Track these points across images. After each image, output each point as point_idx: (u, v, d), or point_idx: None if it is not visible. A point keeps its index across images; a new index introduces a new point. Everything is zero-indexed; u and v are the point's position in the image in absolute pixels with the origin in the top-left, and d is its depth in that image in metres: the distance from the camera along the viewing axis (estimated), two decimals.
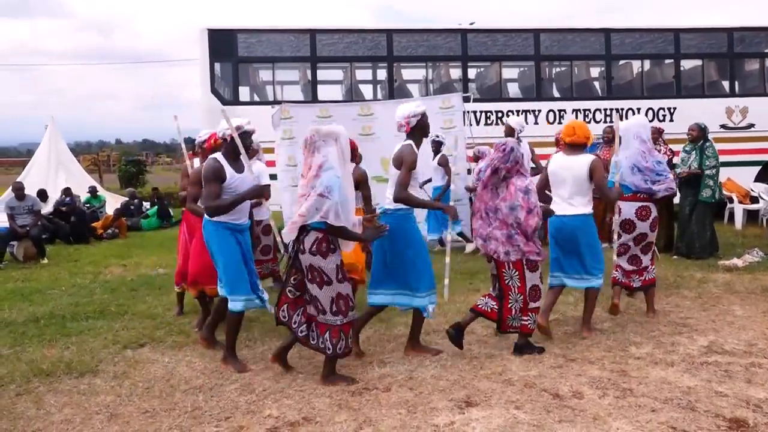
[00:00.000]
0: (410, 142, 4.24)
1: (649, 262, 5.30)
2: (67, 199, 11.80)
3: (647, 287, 5.30)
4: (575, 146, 4.67)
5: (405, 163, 4.10)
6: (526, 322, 4.30)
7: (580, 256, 4.67)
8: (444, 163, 8.26)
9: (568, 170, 4.63)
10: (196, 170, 4.81)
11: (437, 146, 8.23)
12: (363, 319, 4.46)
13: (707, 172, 7.52)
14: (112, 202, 13.98)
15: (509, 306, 4.26)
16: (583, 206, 4.62)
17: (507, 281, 4.25)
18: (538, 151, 7.88)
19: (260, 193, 4.29)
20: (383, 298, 4.36)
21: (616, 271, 5.30)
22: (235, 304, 4.14)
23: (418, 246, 4.28)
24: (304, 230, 3.82)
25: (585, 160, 4.61)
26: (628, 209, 5.18)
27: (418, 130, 4.26)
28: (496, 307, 4.31)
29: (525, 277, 4.24)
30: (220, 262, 4.16)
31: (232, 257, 4.14)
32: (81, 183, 13.89)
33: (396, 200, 4.15)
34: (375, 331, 4.96)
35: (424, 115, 4.26)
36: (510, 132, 7.50)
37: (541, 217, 4.19)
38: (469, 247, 8.40)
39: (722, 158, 7.93)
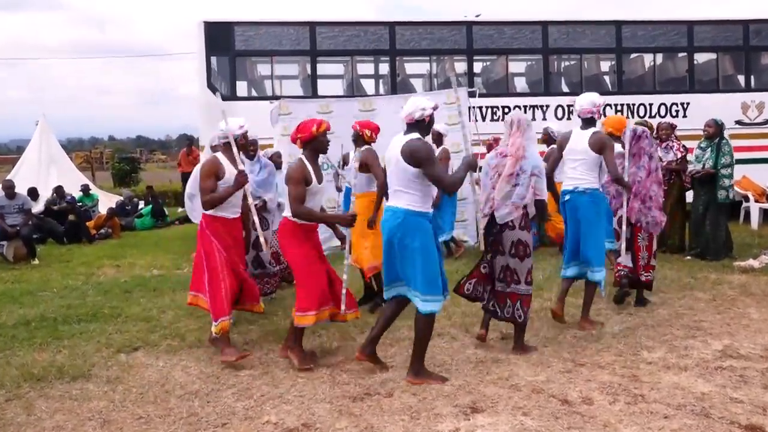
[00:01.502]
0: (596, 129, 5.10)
1: None
2: (68, 197, 11.83)
3: None
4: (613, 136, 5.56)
5: (610, 148, 4.98)
6: (649, 276, 5.55)
7: None
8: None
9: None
10: (297, 167, 4.25)
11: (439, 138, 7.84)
12: (564, 290, 5.13)
13: (722, 171, 7.49)
14: (105, 201, 13.99)
15: (640, 263, 5.52)
16: None
17: (640, 242, 5.51)
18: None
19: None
20: (575, 270, 5.15)
21: None
22: (435, 305, 3.91)
23: (602, 224, 5.12)
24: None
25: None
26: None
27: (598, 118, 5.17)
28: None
29: (653, 239, 5.53)
30: (428, 260, 3.88)
31: (436, 254, 3.97)
32: (73, 181, 13.88)
33: (616, 180, 5.11)
34: None
35: None
36: (438, 138, 7.44)
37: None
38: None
39: (738, 155, 7.92)
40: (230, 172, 4.49)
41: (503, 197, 4.35)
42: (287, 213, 4.38)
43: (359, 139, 5.43)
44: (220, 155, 4.56)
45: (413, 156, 3.80)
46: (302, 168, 4.23)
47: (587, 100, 5.08)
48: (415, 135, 3.88)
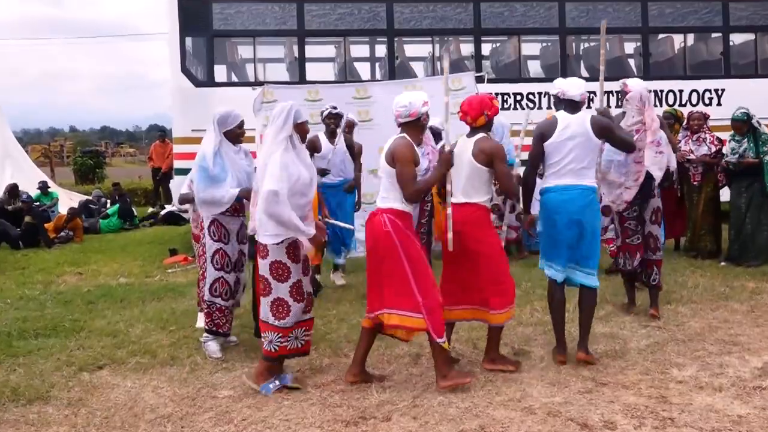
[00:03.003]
0: None
1: None
2: (24, 196, 11.81)
3: None
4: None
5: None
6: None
7: None
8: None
9: None
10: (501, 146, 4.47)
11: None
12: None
13: (766, 158, 7.44)
14: (66, 200, 13.99)
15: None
16: None
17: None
18: None
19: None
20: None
21: None
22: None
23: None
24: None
25: None
26: None
27: None
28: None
29: None
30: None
31: None
32: (29, 178, 13.90)
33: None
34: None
35: None
36: (350, 126, 7.21)
37: None
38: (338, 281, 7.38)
39: None
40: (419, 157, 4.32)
41: (653, 162, 5.18)
42: (477, 199, 4.40)
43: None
44: (408, 138, 4.25)
45: (607, 127, 4.53)
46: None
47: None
48: (588, 113, 4.55)
